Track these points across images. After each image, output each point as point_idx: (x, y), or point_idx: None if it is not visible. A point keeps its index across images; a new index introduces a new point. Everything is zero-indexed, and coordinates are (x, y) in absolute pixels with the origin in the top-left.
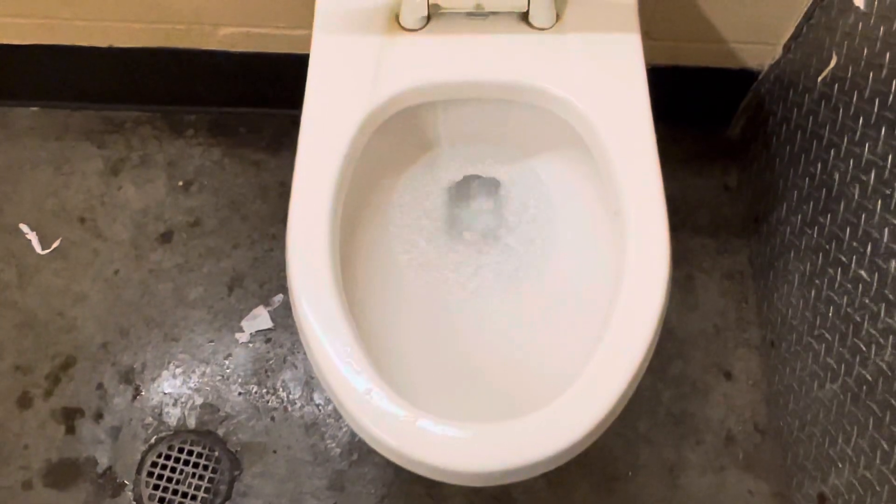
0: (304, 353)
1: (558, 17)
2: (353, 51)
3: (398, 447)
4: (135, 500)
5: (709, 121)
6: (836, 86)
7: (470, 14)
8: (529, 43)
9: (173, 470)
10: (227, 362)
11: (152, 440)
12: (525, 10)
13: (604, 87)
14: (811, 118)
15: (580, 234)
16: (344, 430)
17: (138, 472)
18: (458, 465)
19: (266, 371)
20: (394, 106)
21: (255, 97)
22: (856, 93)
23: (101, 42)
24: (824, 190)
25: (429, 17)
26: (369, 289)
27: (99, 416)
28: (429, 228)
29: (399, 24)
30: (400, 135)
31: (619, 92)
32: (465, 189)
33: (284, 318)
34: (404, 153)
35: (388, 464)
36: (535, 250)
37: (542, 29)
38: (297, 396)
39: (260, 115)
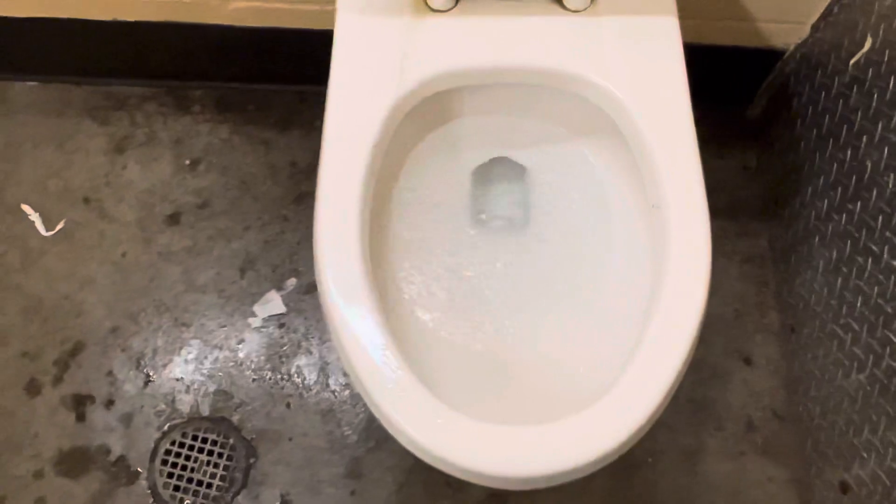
0: (319, 339)
1: None
2: (378, 32)
3: (444, 454)
4: (149, 488)
5: (728, 100)
6: (871, 70)
7: None
8: (563, 26)
9: (187, 458)
10: (239, 348)
11: (165, 427)
12: None
13: (642, 74)
14: (841, 102)
15: (614, 224)
16: (360, 416)
17: (152, 459)
18: (503, 469)
19: (280, 357)
20: (423, 92)
21: (263, 73)
22: (893, 78)
23: (104, 15)
24: (854, 177)
25: None
26: (394, 281)
27: (110, 403)
28: (454, 216)
29: (426, 4)
30: (423, 118)
31: (658, 79)
32: (490, 173)
33: (297, 302)
34: (427, 136)
35: (406, 451)
36: (565, 241)
37: (576, 11)
38: (312, 383)
39: (268, 92)
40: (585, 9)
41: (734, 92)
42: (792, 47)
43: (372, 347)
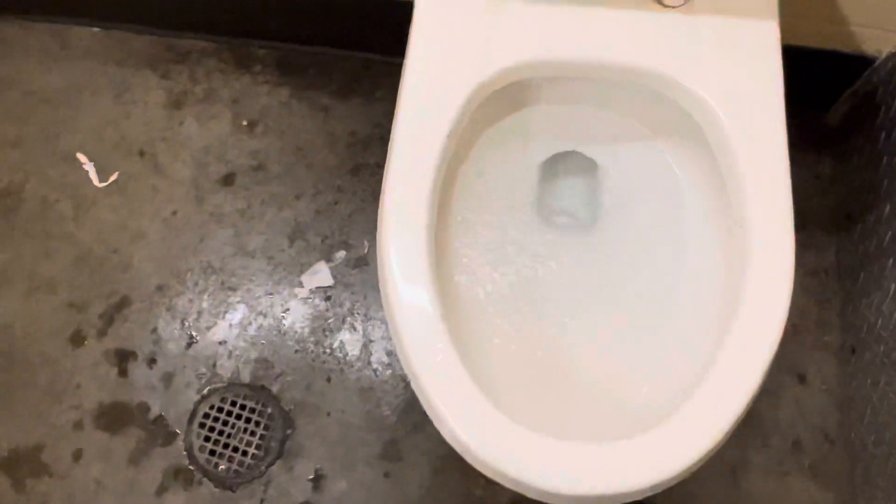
0: (364, 316)
1: None
2: (462, 11)
3: (495, 464)
4: (185, 450)
5: (807, 103)
6: None
7: None
8: (657, 22)
9: (225, 423)
10: (284, 317)
11: (205, 391)
12: None
13: (737, 82)
14: None
15: (689, 234)
16: (400, 398)
17: (190, 422)
18: (554, 485)
19: (324, 330)
20: (504, 79)
21: (329, 37)
22: None
23: None
24: None
25: None
26: (451, 270)
27: (152, 361)
28: (518, 207)
29: None
30: (498, 102)
31: (754, 90)
32: (560, 166)
33: (346, 276)
34: (499, 121)
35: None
36: (634, 246)
37: (672, 7)
38: (354, 359)
39: (332, 57)
40: (681, 4)
41: (814, 95)
42: (884, 55)
43: (429, 344)
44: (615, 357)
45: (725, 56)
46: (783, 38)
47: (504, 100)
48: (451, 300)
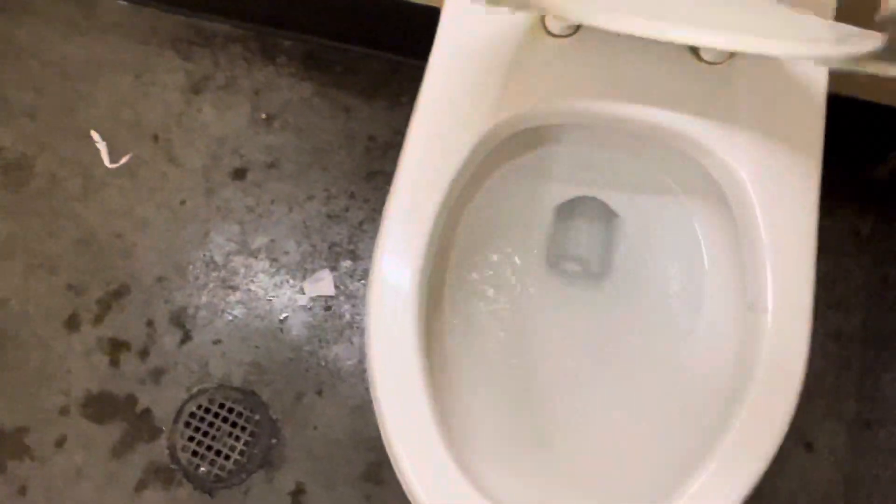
0: (363, 330)
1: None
2: (485, 46)
3: None
4: (168, 448)
5: (853, 155)
6: None
7: None
8: (692, 77)
9: (211, 425)
10: (282, 323)
11: (194, 390)
12: None
13: (772, 155)
14: None
15: (705, 304)
16: None
17: (175, 420)
18: None
19: (321, 340)
20: (521, 123)
21: (359, 34)
22: None
23: None
24: None
25: (579, 25)
26: (443, 311)
27: (145, 354)
28: (525, 251)
29: (544, 26)
30: (514, 141)
31: (789, 167)
32: (575, 211)
33: (349, 287)
34: (514, 159)
35: None
36: (644, 308)
37: (712, 63)
38: (347, 374)
39: (360, 55)
40: (723, 61)
41: (862, 148)
42: None
43: (410, 415)
44: (609, 428)
45: (763, 123)
46: (836, 88)
47: (521, 138)
48: (439, 355)
